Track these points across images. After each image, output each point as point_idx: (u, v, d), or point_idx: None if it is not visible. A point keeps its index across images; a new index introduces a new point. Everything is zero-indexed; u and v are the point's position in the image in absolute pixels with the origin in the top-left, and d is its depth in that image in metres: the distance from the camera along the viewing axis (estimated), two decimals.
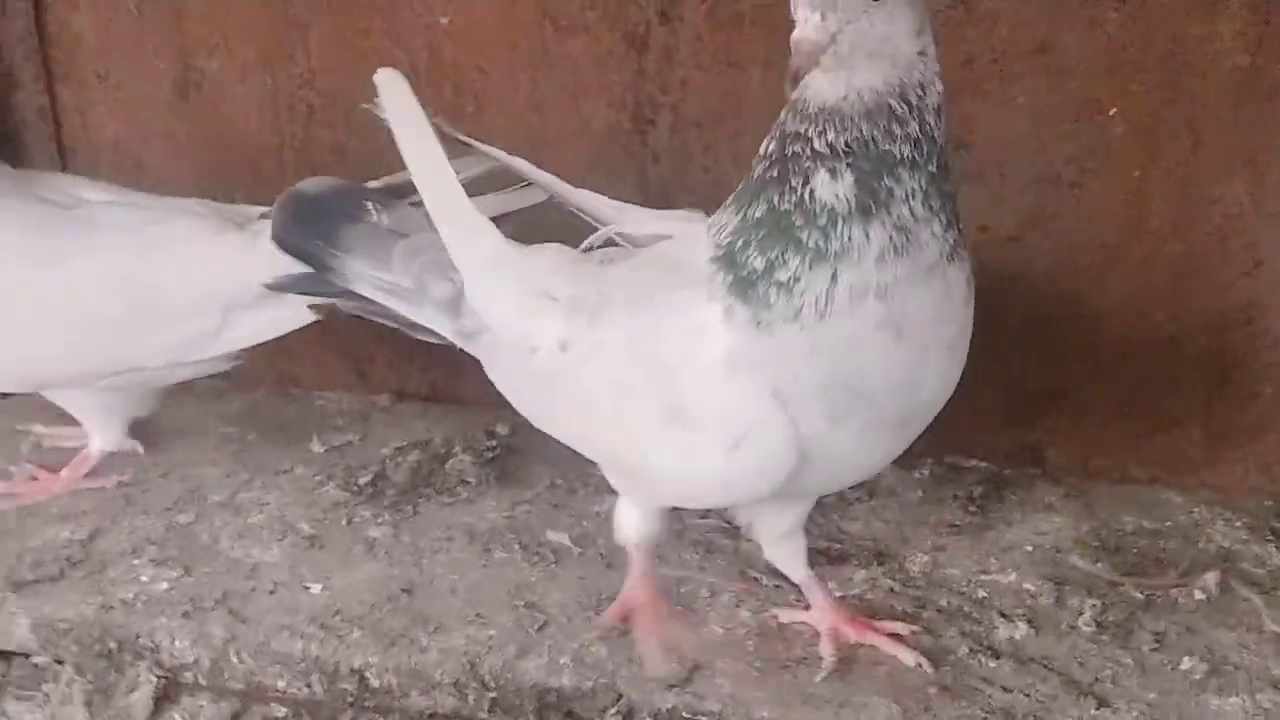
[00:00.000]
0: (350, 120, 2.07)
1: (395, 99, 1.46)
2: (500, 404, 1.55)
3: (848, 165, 1.18)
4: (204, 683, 1.58)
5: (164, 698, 1.57)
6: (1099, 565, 1.69)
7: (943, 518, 1.83)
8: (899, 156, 1.18)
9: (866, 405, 1.21)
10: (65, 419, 2.03)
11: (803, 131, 1.20)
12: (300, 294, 1.61)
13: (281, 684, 1.55)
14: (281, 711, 1.55)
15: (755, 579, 1.66)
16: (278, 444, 2.02)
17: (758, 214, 1.23)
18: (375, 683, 1.53)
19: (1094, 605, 1.60)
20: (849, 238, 1.17)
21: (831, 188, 1.18)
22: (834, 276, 1.18)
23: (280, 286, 1.61)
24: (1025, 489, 1.90)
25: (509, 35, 2.02)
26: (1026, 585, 1.65)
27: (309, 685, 1.54)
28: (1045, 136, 1.86)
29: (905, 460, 1.86)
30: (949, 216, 1.21)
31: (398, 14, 2.06)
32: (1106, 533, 1.79)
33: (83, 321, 1.68)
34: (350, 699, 1.53)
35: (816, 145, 1.19)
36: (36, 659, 1.61)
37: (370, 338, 2.13)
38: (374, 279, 1.52)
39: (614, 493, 1.78)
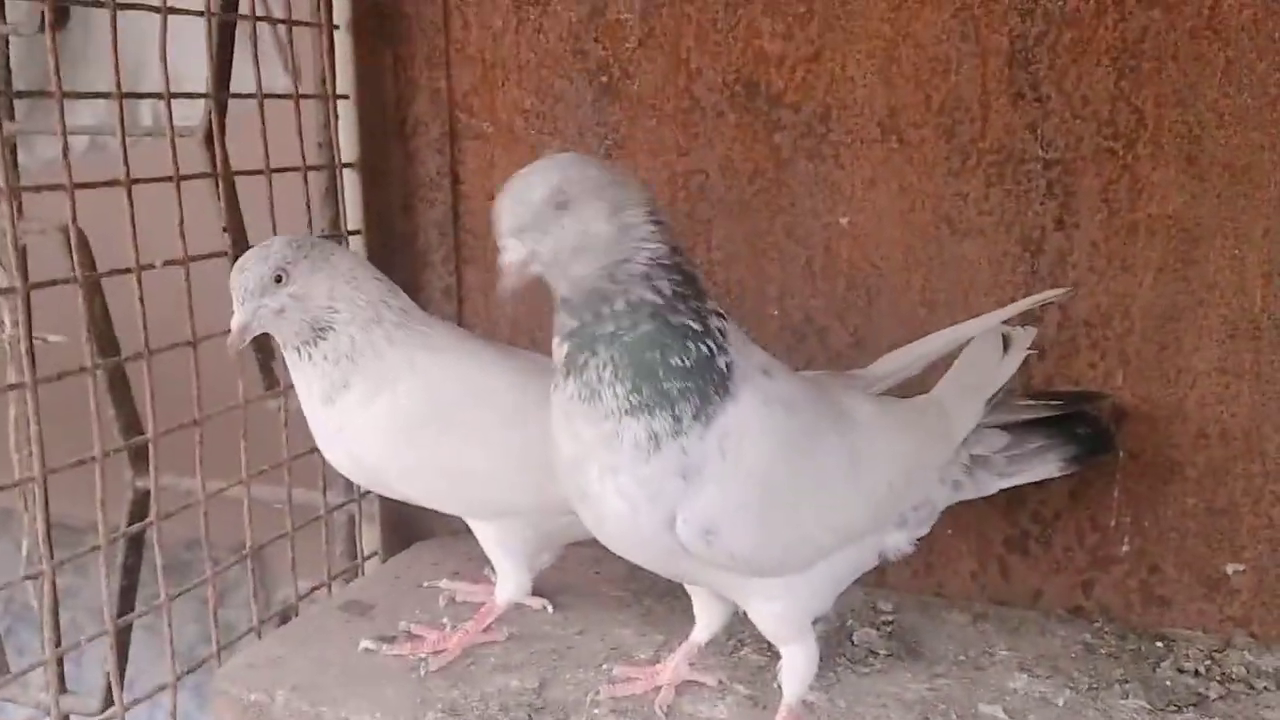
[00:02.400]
0: (747, 311, 2.21)
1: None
2: (878, 582, 1.90)
3: (566, 338, 1.49)
4: None
5: None
6: None
7: None
8: (598, 334, 1.44)
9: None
10: (466, 575, 2.14)
11: (559, 314, 1.51)
12: None
13: None
14: None
15: None
16: (676, 609, 2.08)
17: None
18: None
19: None
20: (558, 379, 1.53)
21: (558, 352, 1.50)
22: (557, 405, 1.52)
23: None
24: None
25: (906, 236, 2.17)
26: None
27: None
28: None
29: None
30: (636, 379, 1.44)
31: (799, 215, 2.22)
32: None
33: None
34: None
35: (559, 321, 1.50)
36: None
37: None
38: None
39: (1025, 671, 1.89)
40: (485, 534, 1.97)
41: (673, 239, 1.47)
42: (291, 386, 1.89)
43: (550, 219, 1.41)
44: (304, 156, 2.20)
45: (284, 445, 2.18)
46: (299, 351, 1.79)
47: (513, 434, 1.81)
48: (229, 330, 1.76)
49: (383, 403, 1.80)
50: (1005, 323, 1.84)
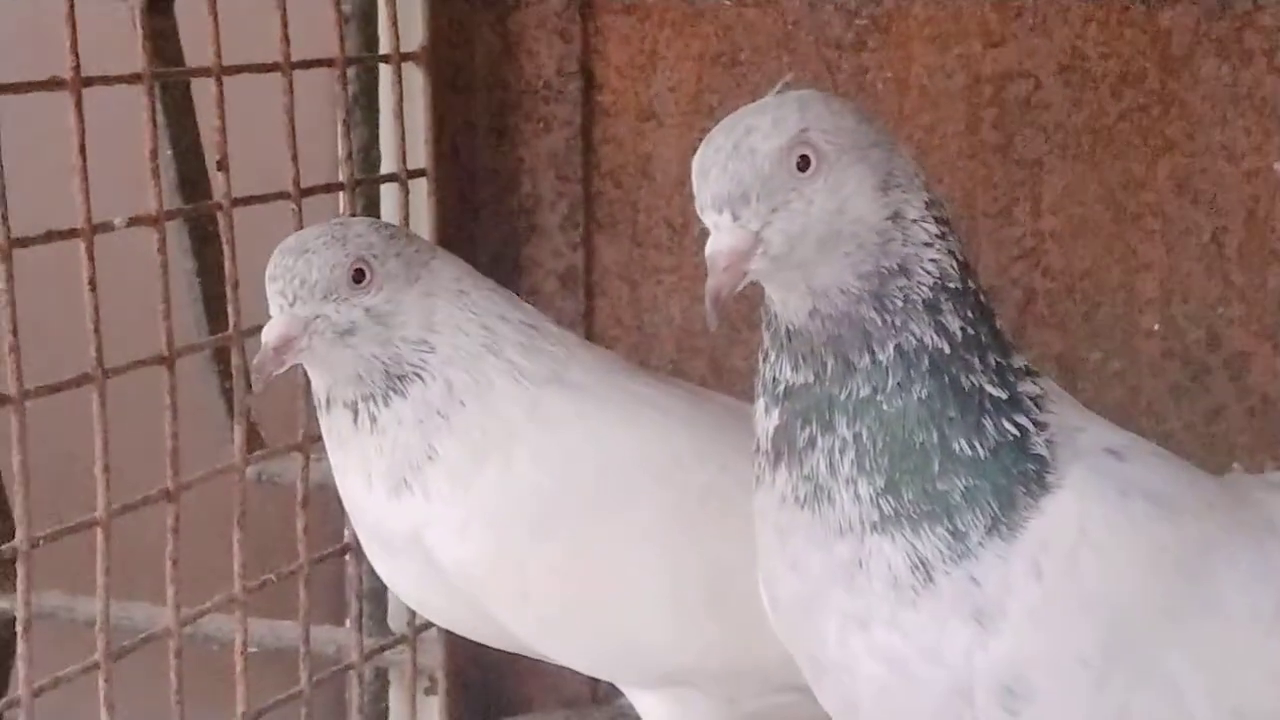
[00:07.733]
0: (1098, 326, 1.76)
1: None
2: None
3: (780, 401, 1.12)
4: None
5: None
6: None
7: None
8: (838, 398, 1.09)
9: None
10: None
11: (769, 357, 1.10)
12: None
13: None
14: None
15: None
16: None
17: None
18: None
19: None
20: (762, 468, 1.15)
21: (764, 423, 1.13)
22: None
23: None
24: None
25: None
26: None
27: None
28: None
29: None
30: (895, 474, 1.08)
31: (1201, 154, 1.58)
32: None
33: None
34: None
35: (771, 372, 1.11)
36: None
37: None
38: None
39: None
40: (647, 711, 1.48)
41: (962, 247, 1.11)
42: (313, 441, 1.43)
43: (788, 183, 1.04)
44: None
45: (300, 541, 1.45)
46: (357, 410, 1.38)
47: (699, 542, 1.40)
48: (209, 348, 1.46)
49: (490, 477, 1.37)
50: None
